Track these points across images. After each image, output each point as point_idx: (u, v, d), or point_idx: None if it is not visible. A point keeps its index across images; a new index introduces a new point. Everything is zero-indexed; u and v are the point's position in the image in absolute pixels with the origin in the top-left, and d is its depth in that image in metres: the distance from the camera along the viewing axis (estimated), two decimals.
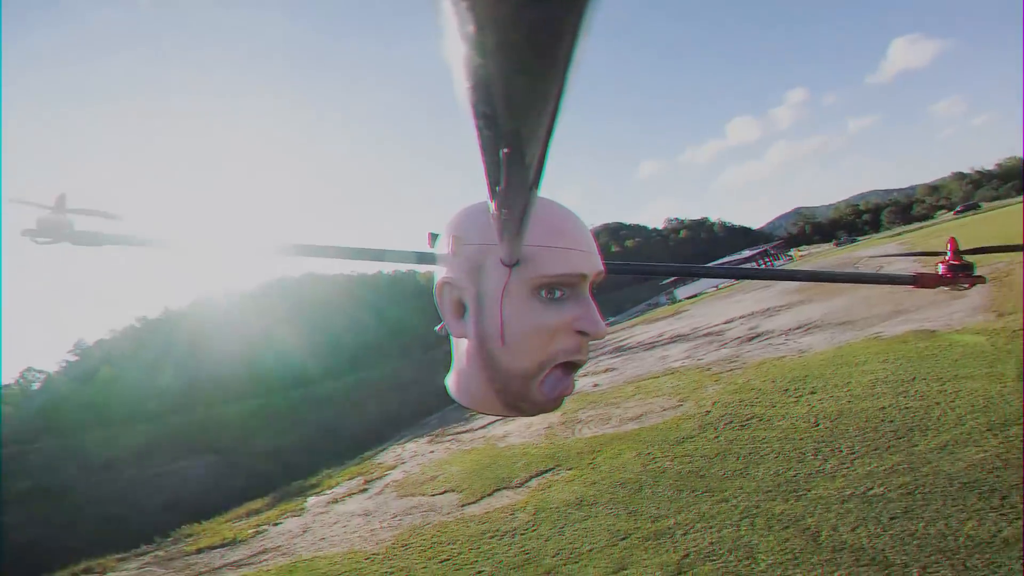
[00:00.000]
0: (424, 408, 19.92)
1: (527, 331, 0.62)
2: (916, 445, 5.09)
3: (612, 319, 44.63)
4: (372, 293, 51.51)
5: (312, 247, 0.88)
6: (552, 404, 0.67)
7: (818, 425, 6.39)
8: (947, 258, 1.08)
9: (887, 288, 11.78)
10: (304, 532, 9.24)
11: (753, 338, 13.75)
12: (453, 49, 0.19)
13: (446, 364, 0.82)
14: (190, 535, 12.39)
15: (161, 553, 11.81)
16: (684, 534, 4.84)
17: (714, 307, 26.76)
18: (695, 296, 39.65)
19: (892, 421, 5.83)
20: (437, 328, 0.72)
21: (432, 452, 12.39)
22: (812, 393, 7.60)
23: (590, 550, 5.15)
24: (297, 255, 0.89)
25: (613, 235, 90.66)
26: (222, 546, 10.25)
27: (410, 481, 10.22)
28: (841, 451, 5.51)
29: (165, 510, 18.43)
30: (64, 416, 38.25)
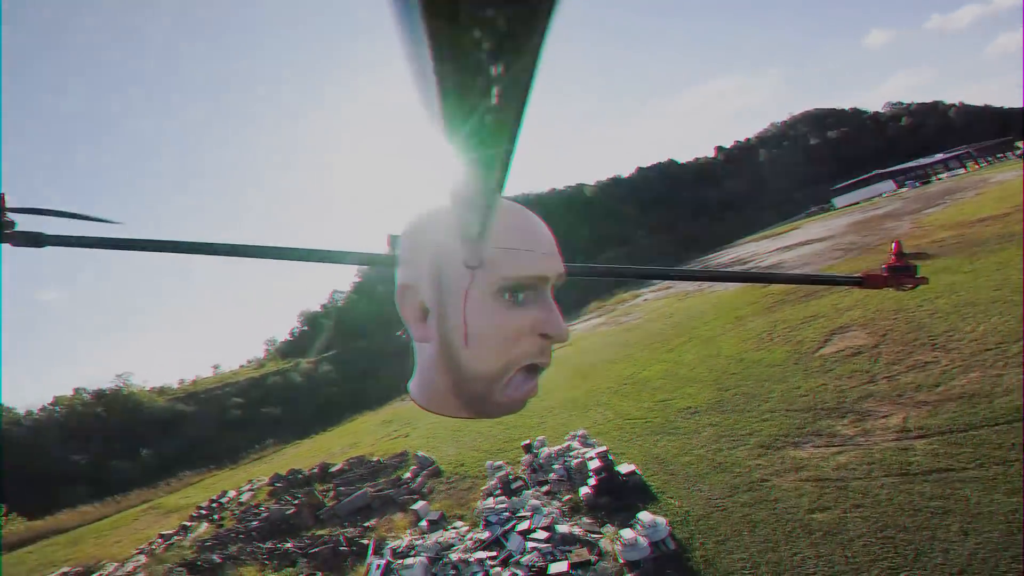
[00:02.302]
0: (576, 303, 31.64)
1: (490, 334, 0.64)
2: (671, 344, 14.83)
3: (791, 220, 47.10)
4: (543, 209, 63.06)
5: (265, 248, 0.97)
6: (516, 406, 0.69)
7: (649, 332, 16.13)
8: (890, 260, 1.16)
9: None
10: None
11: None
12: (411, 51, 0.21)
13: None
14: None
15: None
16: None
17: (806, 230, 31.80)
18: (855, 203, 40.80)
19: (681, 326, 15.33)
20: (399, 333, 0.75)
21: None
22: (670, 317, 16.93)
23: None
24: (249, 256, 0.97)
25: (814, 124, 76.84)
26: None
27: None
28: (640, 346, 15.47)
29: None
30: (363, 324, 59.97)
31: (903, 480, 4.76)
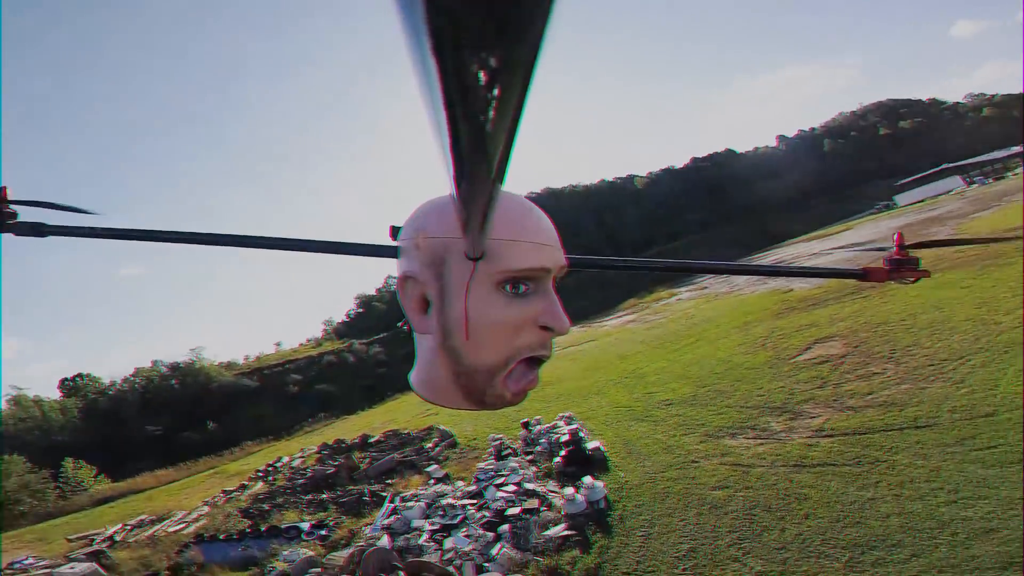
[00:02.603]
0: (615, 301, 32.77)
1: (491, 326, 0.65)
2: (679, 343, 15.96)
3: (847, 219, 45.96)
4: (588, 201, 63.37)
5: (270, 239, 1.01)
6: (516, 399, 0.70)
7: (667, 331, 17.20)
8: (892, 253, 1.15)
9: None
10: None
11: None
12: (412, 40, 0.21)
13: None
14: None
15: None
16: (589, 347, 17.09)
17: (858, 231, 31.32)
18: (919, 201, 39.34)
19: (696, 327, 16.39)
20: (400, 323, 0.76)
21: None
22: (691, 317, 17.90)
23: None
24: (254, 247, 1.02)
25: (886, 115, 72.59)
26: None
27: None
28: (654, 343, 16.63)
29: None
30: None
31: (794, 470, 5.94)
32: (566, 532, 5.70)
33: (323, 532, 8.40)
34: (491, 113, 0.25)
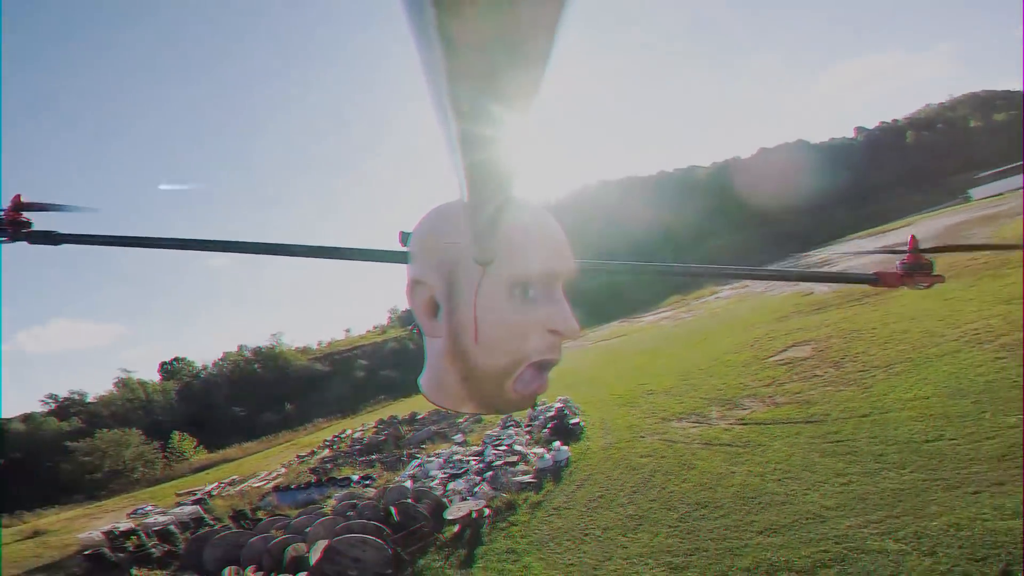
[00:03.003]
0: (660, 297, 34.20)
1: (500, 330, 0.67)
2: (691, 340, 17.72)
3: (913, 214, 44.71)
4: (646, 194, 63.64)
5: (278, 246, 1.04)
6: (525, 402, 0.72)
7: (687, 330, 18.87)
8: (906, 257, 1.14)
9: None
10: None
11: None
12: (421, 44, 0.21)
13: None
14: None
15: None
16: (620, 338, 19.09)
17: (917, 228, 30.87)
18: (996, 195, 37.65)
19: (714, 326, 18.03)
20: (410, 327, 0.80)
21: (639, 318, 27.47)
22: (714, 317, 19.44)
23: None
24: (259, 253, 1.04)
25: (980, 107, 67.89)
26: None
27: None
28: (670, 339, 18.39)
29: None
30: None
31: (703, 447, 7.83)
32: (529, 480, 7.99)
33: (367, 482, 11.16)
34: (501, 119, 0.26)
